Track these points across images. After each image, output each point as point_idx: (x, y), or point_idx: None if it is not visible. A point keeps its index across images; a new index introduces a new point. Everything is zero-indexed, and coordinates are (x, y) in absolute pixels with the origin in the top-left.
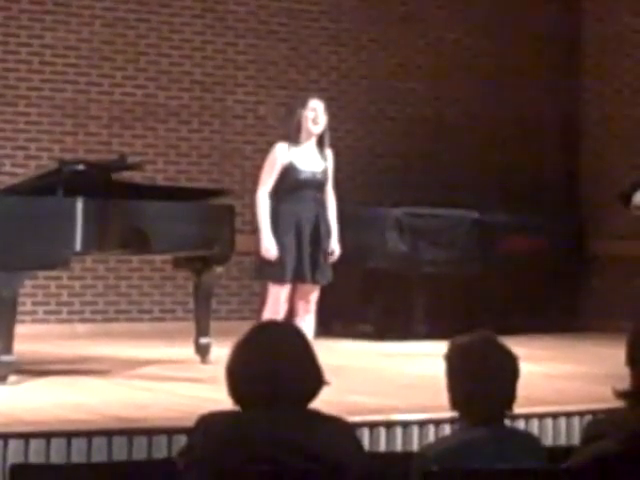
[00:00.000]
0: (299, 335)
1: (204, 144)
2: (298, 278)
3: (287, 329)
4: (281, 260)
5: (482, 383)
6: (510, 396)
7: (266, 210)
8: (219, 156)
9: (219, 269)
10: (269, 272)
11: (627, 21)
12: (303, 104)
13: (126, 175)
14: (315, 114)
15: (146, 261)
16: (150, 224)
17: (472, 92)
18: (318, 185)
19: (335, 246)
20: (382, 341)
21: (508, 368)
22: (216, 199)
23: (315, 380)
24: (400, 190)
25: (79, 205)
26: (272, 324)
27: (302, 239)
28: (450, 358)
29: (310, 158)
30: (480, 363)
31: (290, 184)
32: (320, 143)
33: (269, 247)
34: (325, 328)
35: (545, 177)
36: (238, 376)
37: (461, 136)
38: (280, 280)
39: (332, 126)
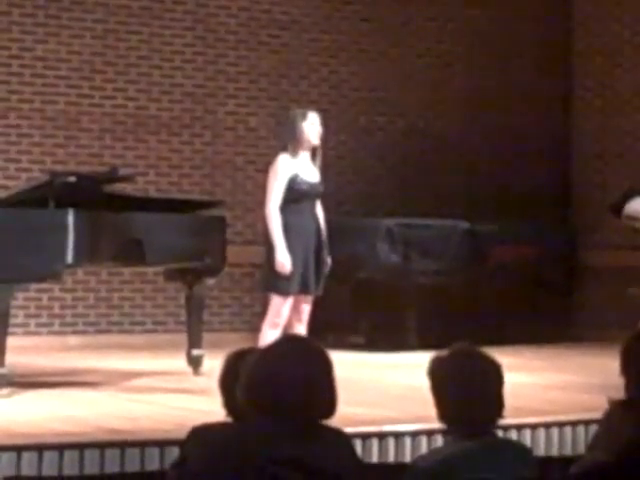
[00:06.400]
0: (328, 358)
1: (195, 156)
2: (303, 290)
3: (319, 348)
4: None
5: (468, 395)
6: (498, 404)
7: (279, 224)
8: (210, 168)
9: (211, 281)
10: (275, 284)
11: (618, 32)
12: (304, 116)
13: (118, 187)
14: (315, 127)
15: (138, 273)
16: (142, 236)
17: (463, 103)
18: (317, 196)
19: (327, 258)
20: (374, 352)
21: (492, 376)
22: (208, 210)
23: (329, 406)
24: (391, 201)
25: (70, 217)
26: (302, 340)
27: (308, 251)
28: (433, 374)
29: (308, 170)
30: (464, 376)
31: (293, 196)
32: (313, 155)
33: (284, 262)
34: (316, 339)
35: (537, 187)
36: (267, 387)
37: (452, 147)
38: (285, 293)
39: (323, 137)
